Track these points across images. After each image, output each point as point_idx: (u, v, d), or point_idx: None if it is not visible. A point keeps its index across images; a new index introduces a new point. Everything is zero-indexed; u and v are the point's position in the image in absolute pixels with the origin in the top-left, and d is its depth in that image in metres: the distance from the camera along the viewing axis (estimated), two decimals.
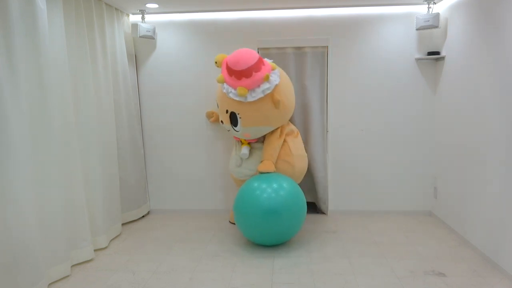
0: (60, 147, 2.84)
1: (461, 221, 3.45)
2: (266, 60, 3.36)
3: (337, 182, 4.22)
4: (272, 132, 3.55)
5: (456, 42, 3.50)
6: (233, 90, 3.23)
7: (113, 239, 3.62)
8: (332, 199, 4.25)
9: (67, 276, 2.87)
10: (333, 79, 4.08)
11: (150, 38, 4.02)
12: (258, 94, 3.21)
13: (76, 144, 2.99)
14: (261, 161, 3.47)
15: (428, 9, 3.80)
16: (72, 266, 3.01)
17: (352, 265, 2.99)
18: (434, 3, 3.78)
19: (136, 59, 4.23)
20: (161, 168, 4.39)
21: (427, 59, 3.92)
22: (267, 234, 3.18)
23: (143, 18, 4.07)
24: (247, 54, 3.20)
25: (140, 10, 3.99)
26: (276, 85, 3.29)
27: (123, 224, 3.99)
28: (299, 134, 3.76)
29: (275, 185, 3.18)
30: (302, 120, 4.14)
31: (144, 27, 3.93)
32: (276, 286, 2.69)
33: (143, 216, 4.32)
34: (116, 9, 3.80)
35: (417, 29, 3.77)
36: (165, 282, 2.78)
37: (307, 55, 4.03)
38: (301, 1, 3.72)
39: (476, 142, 3.17)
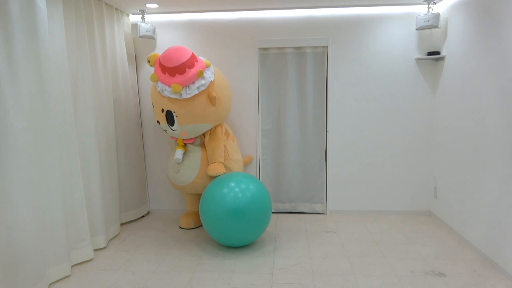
0: (59, 147, 2.84)
1: (461, 221, 3.45)
2: (200, 57, 3.36)
3: (337, 182, 4.22)
4: (213, 133, 3.53)
5: (456, 42, 3.50)
6: (167, 88, 3.22)
7: (111, 239, 3.62)
8: (332, 199, 4.25)
9: (67, 276, 2.87)
10: (333, 79, 4.08)
11: (150, 38, 4.03)
12: (193, 91, 3.22)
13: (76, 144, 2.99)
14: (210, 164, 3.45)
15: (428, 9, 3.80)
16: (72, 266, 3.02)
17: (352, 265, 2.99)
18: (434, 3, 3.78)
19: (136, 59, 4.23)
20: (161, 168, 4.38)
21: (427, 59, 3.92)
22: (231, 234, 3.14)
23: (143, 18, 4.07)
24: (179, 51, 3.22)
25: (140, 10, 4.00)
26: (212, 82, 3.31)
27: (123, 224, 4.00)
28: (235, 139, 3.76)
29: (243, 186, 3.14)
30: (302, 120, 4.15)
31: (144, 27, 3.93)
32: (276, 286, 2.70)
33: (143, 216, 4.32)
34: (116, 9, 3.80)
35: (417, 29, 3.77)
36: (165, 282, 2.78)
37: (307, 55, 4.04)
38: (301, 1, 3.72)
39: (476, 142, 3.17)
